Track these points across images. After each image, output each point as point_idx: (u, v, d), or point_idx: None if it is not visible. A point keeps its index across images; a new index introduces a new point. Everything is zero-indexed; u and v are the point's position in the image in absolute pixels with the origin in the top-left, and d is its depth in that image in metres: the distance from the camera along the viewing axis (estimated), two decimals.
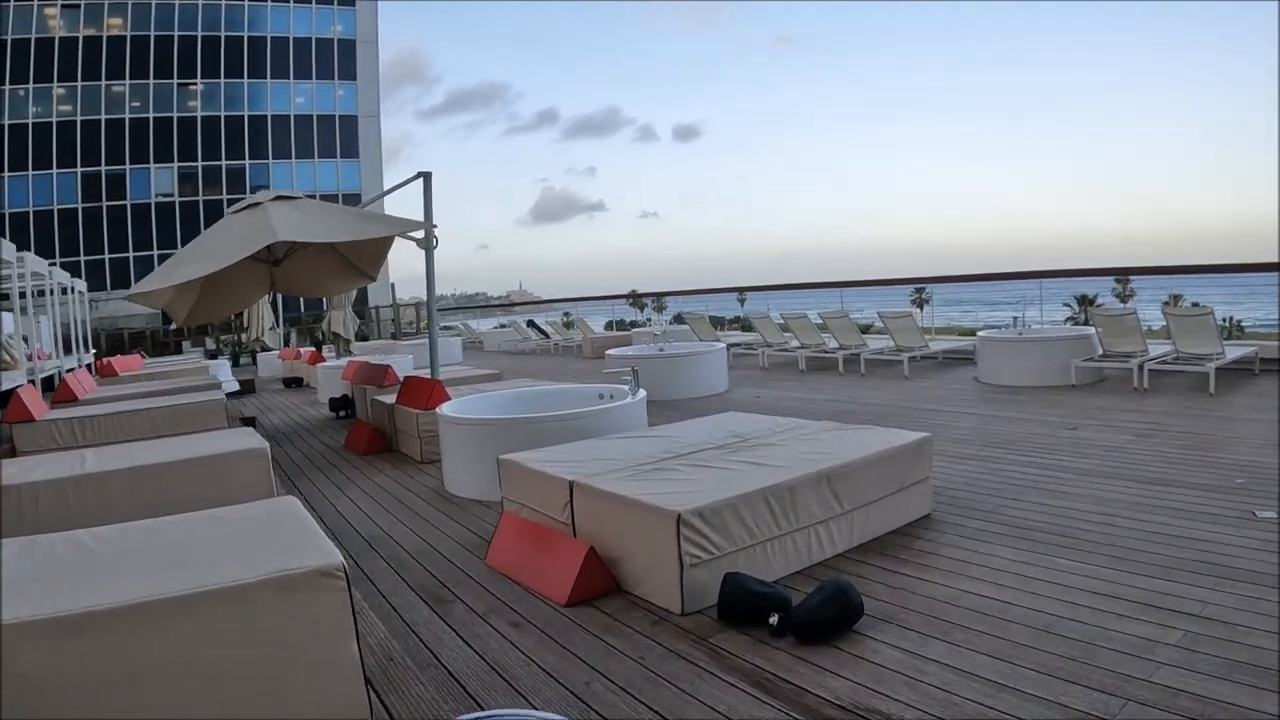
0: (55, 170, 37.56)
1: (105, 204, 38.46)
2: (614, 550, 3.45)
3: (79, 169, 38.03)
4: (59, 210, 37.70)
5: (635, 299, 23.28)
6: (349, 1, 43.28)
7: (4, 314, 11.46)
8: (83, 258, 36.88)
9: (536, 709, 2.48)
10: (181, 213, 38.74)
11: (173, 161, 39.78)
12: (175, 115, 39.82)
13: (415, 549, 4.40)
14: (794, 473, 3.52)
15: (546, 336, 19.56)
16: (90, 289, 20.25)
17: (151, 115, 39.26)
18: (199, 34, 40.08)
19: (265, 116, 41.84)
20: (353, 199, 36.08)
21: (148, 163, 39.26)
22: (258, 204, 7.39)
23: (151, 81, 39.07)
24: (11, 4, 35.93)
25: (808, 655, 2.71)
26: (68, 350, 15.63)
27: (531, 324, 21.02)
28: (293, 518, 2.57)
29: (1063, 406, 7.10)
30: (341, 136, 43.20)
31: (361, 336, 27.94)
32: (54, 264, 14.63)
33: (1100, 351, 8.46)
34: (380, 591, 3.81)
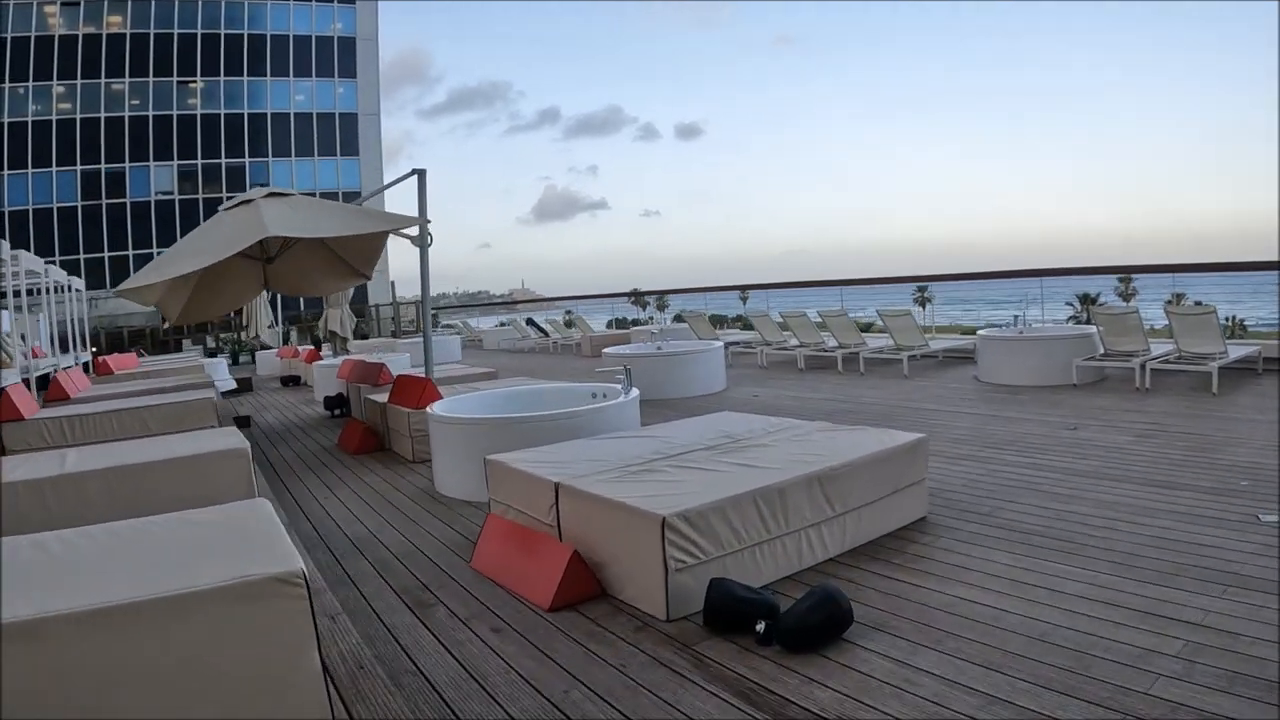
0: (55, 168, 37.53)
1: (105, 202, 38.42)
2: (599, 554, 3.37)
3: (78, 167, 37.99)
4: (58, 208, 37.67)
5: (637, 297, 23.20)
6: None
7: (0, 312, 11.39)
8: (82, 256, 36.85)
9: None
10: (181, 211, 38.69)
11: (172, 159, 39.73)
12: (175, 113, 39.76)
13: (401, 551, 4.32)
14: (785, 475, 3.42)
15: (546, 335, 19.47)
16: (90, 287, 20.22)
17: (151, 113, 39.21)
18: (199, 32, 40.01)
19: (265, 114, 41.76)
20: (353, 197, 35.91)
21: (147, 161, 39.21)
22: (250, 201, 7.32)
23: (151, 79, 39.01)
24: (11, 2, 35.92)
25: (794, 664, 2.62)
26: (65, 348, 15.59)
27: (530, 322, 20.94)
28: (261, 521, 2.49)
29: (1063, 406, 7.00)
30: (341, 134, 43.13)
31: (362, 335, 27.94)
32: (51, 262, 14.60)
33: (1102, 350, 8.35)
34: (363, 595, 3.73)
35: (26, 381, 10.85)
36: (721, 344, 10.41)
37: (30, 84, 36.94)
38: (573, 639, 3.01)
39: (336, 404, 10.14)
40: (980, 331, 10.01)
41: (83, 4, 37.68)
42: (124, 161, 38.86)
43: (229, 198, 8.21)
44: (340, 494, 5.83)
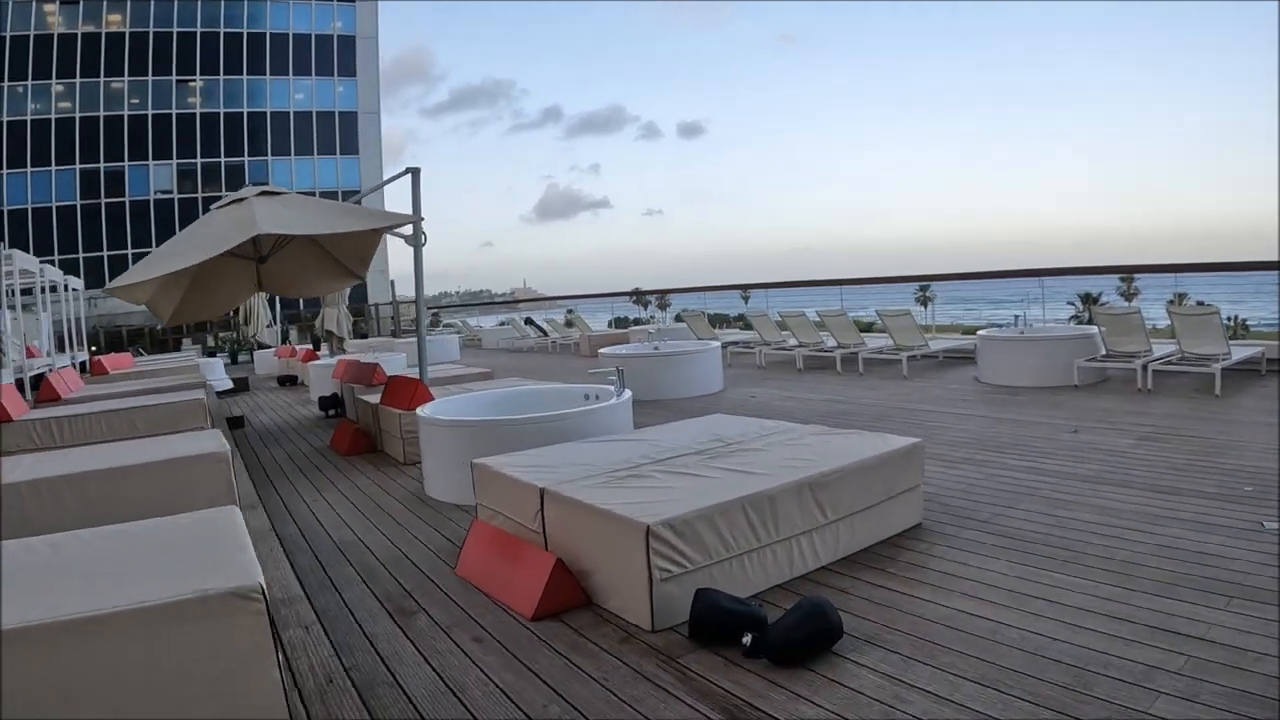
0: (54, 167, 37.46)
1: (104, 201, 38.35)
2: (584, 562, 3.27)
3: (78, 166, 37.91)
4: (58, 207, 37.60)
5: (639, 297, 23.11)
6: None
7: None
8: (81, 255, 36.79)
9: None
10: (180, 210, 38.59)
11: (172, 158, 39.63)
12: (174, 112, 39.66)
13: (386, 556, 4.24)
14: (775, 481, 3.32)
15: (545, 334, 19.39)
16: (89, 286, 20.15)
17: (150, 112, 39.11)
18: (198, 30, 39.90)
19: (265, 113, 41.64)
20: (352, 196, 35.90)
21: (146, 159, 39.12)
22: (242, 199, 7.24)
23: (150, 78, 38.92)
24: (11, 1, 35.85)
25: (781, 679, 2.53)
26: (61, 348, 15.52)
27: (530, 321, 20.86)
28: (228, 531, 2.40)
29: (1064, 408, 6.89)
30: (341, 133, 43.01)
31: (361, 334, 27.89)
32: (47, 261, 14.51)
33: (1103, 351, 8.24)
34: (345, 602, 3.65)
35: (20, 382, 10.79)
36: (719, 344, 10.31)
37: (29, 83, 36.87)
38: (555, 650, 2.92)
39: (331, 404, 10.06)
40: (980, 332, 9.90)
41: (82, 3, 37.61)
42: (123, 160, 38.77)
43: (213, 197, 8.13)
44: (329, 496, 5.75)
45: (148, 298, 7.97)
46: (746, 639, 2.66)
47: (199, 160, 40.13)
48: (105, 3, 38.18)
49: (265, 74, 41.58)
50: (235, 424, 9.59)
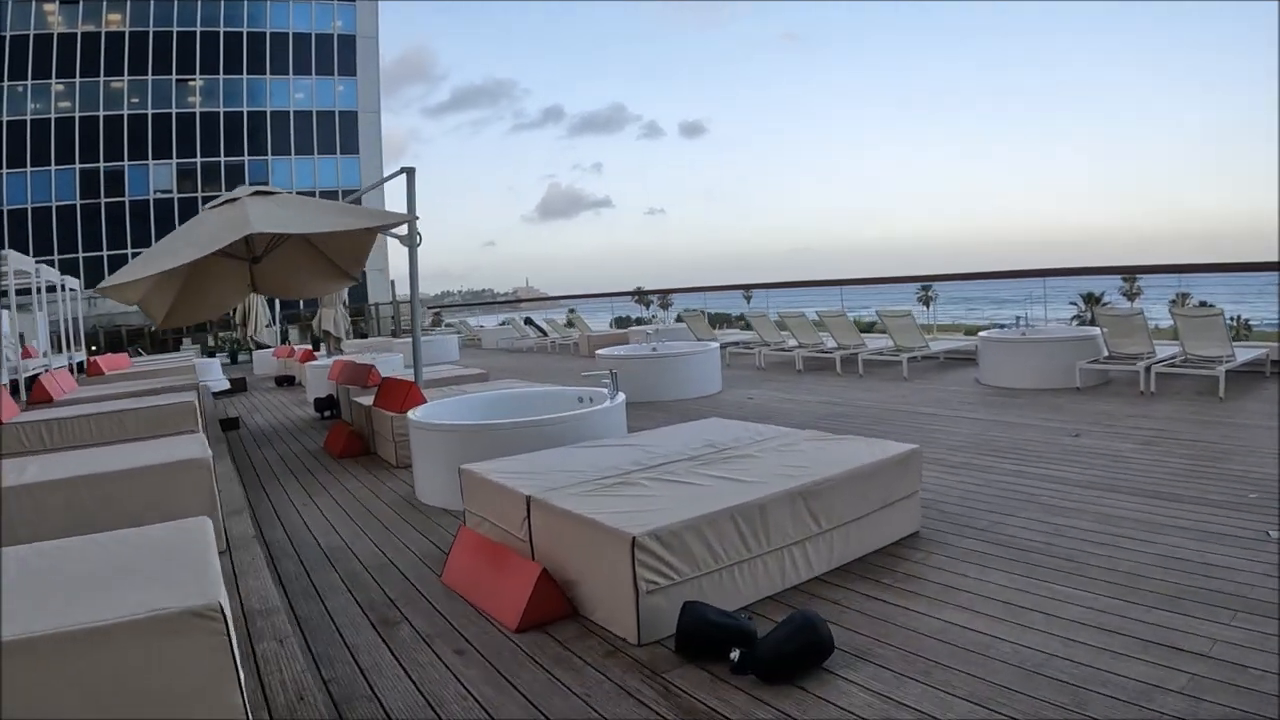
0: (54, 167, 37.40)
1: (104, 201, 38.29)
2: (570, 572, 3.19)
3: (77, 165, 37.85)
4: (57, 207, 37.56)
5: (641, 296, 23.03)
6: None
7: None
8: (81, 254, 36.76)
9: None
10: (180, 209, 38.49)
11: (171, 158, 39.55)
12: (174, 111, 39.56)
13: (373, 563, 4.16)
14: (767, 489, 3.24)
15: (544, 334, 19.32)
16: (88, 286, 20.07)
17: (150, 111, 39.02)
18: (198, 30, 39.80)
19: (265, 112, 41.53)
20: (351, 196, 35.91)
21: (146, 159, 39.05)
22: (235, 199, 7.17)
23: (150, 78, 38.84)
24: (10, 0, 35.82)
25: (769, 697, 2.44)
26: (59, 349, 15.46)
27: (529, 321, 20.79)
28: (195, 543, 2.32)
29: (1065, 411, 6.80)
30: (341, 133, 42.91)
31: (361, 334, 27.84)
32: (49, 261, 14.49)
33: (1105, 353, 8.14)
34: (328, 610, 3.58)
35: (15, 383, 10.73)
36: (717, 345, 10.22)
37: (29, 82, 36.81)
38: (538, 663, 2.84)
39: (326, 405, 9.99)
40: (981, 333, 9.80)
41: (82, 2, 37.54)
42: (123, 160, 38.69)
43: (213, 196, 8.06)
44: (320, 501, 5.67)
45: (139, 298, 7.90)
46: (734, 654, 2.58)
47: (199, 160, 40.05)
48: (105, 2, 38.12)
49: (265, 73, 41.48)
50: (229, 425, 9.53)
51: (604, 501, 3.21)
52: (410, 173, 7.90)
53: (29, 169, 37.05)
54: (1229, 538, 3.51)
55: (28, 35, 36.67)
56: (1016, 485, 4.60)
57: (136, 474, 3.71)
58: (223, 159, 40.39)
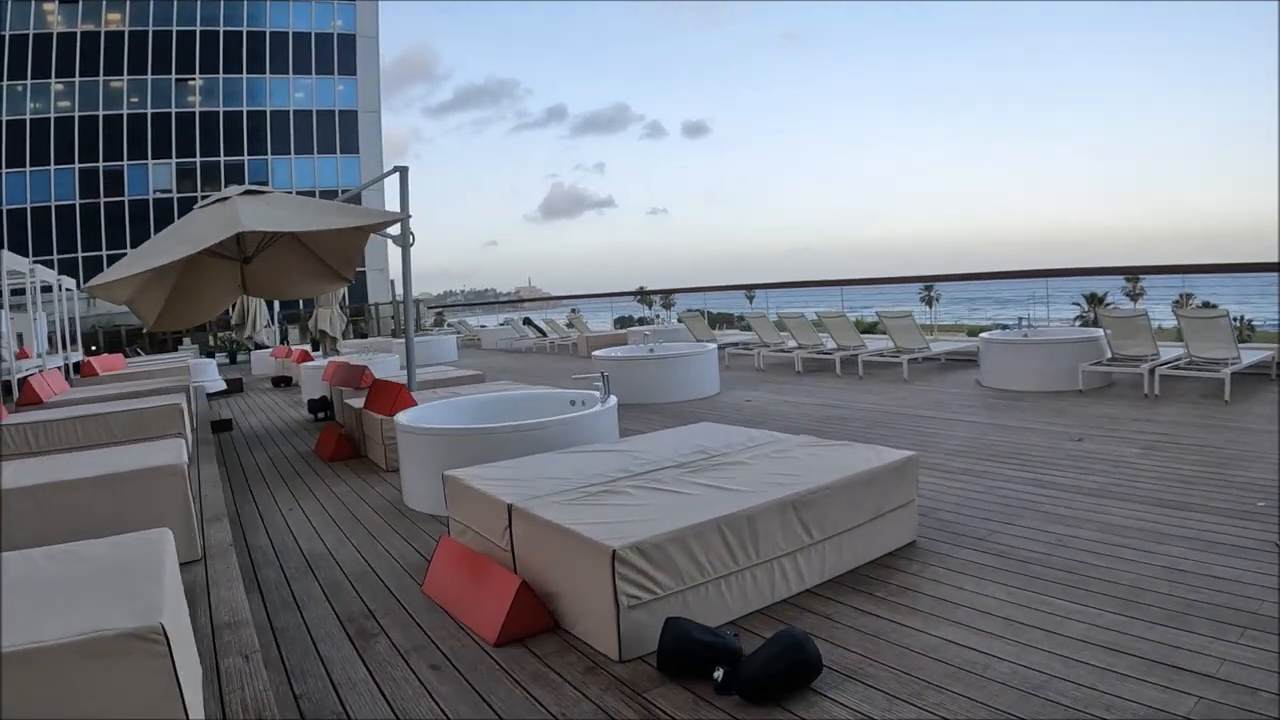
0: (53, 166, 37.32)
1: (103, 200, 38.22)
2: (552, 584, 3.08)
3: (77, 165, 37.76)
4: (56, 206, 37.50)
5: (643, 296, 22.92)
6: None
7: None
8: (80, 254, 36.69)
9: None
10: (180, 209, 38.34)
11: (171, 157, 39.46)
12: (174, 111, 39.46)
13: (355, 571, 4.06)
14: (756, 499, 3.12)
15: (543, 335, 19.22)
16: None
17: (150, 111, 38.92)
18: (197, 29, 39.69)
19: (264, 112, 41.42)
20: (352, 195, 35.80)
21: (146, 159, 38.97)
22: (226, 198, 7.08)
23: (150, 77, 38.73)
24: None
25: (753, 719, 2.33)
26: (54, 349, 15.36)
27: (528, 322, 20.68)
28: (149, 558, 2.21)
29: (1068, 414, 6.67)
30: (341, 132, 42.78)
31: (361, 334, 27.75)
32: (47, 260, 14.42)
33: (1109, 355, 8.00)
34: (305, 621, 3.47)
35: (7, 385, 10.63)
36: (714, 346, 10.10)
37: (29, 81, 36.74)
38: (515, 680, 2.73)
39: (320, 407, 9.90)
40: (983, 334, 9.67)
41: (81, 2, 37.48)
42: (122, 159, 38.60)
43: (204, 195, 7.96)
44: (306, 505, 5.57)
45: (128, 297, 7.80)
46: (718, 674, 2.46)
47: (198, 159, 39.94)
48: (104, 2, 38.03)
49: (265, 73, 41.37)
50: (222, 427, 9.43)
51: (586, 511, 3.09)
52: (403, 171, 7.80)
53: (28, 168, 36.99)
54: (1236, 548, 3.39)
55: (27, 34, 36.61)
56: (1016, 492, 4.48)
57: (105, 481, 3.60)
58: (222, 159, 40.30)
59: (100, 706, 1.70)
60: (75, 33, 37.49)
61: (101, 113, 38.13)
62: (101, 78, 37.95)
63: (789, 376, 10.38)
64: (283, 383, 14.44)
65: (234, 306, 15.47)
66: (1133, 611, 2.85)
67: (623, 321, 21.45)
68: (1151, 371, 7.33)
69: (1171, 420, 6.21)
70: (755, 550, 3.02)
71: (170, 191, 39.11)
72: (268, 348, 17.55)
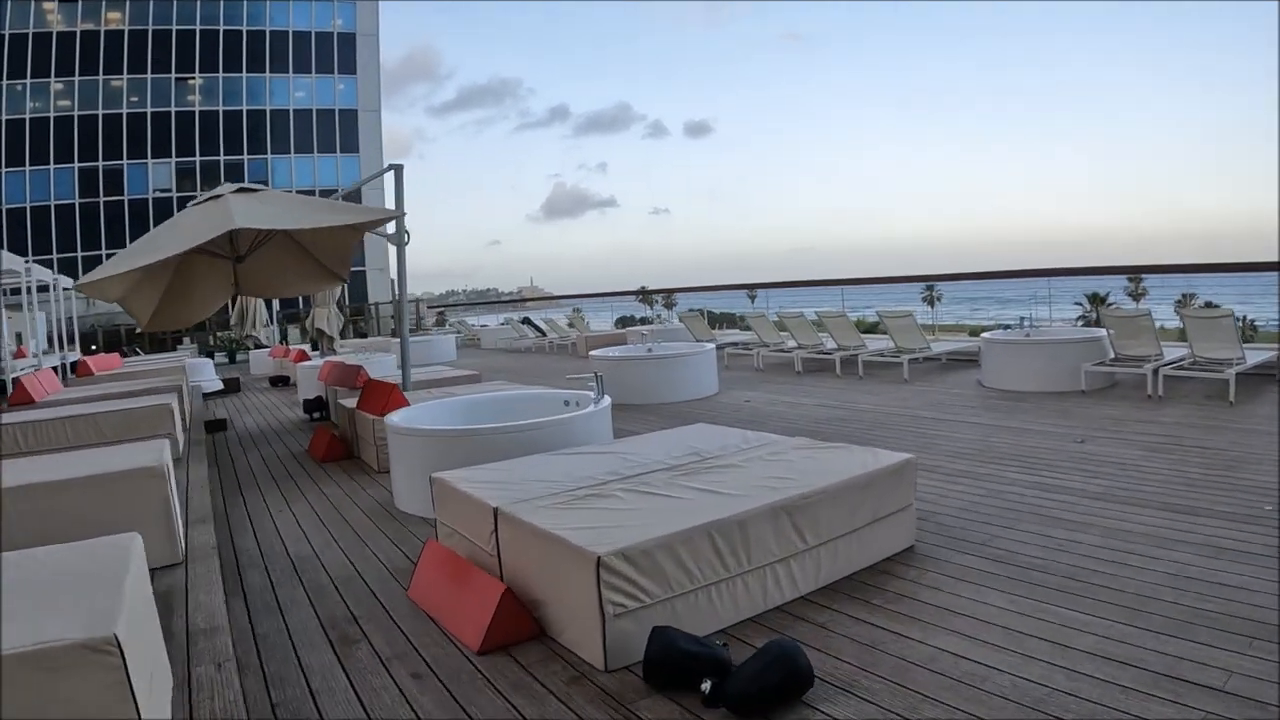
0: (52, 165, 37.23)
1: (102, 200, 38.14)
2: (537, 590, 2.99)
3: (76, 164, 37.67)
4: (56, 206, 37.43)
5: (645, 295, 22.84)
6: None
7: None
8: (80, 254, 36.63)
9: None
10: (179, 208, 38.35)
11: (171, 156, 39.36)
12: (173, 110, 39.33)
13: (341, 575, 3.97)
14: (748, 504, 3.02)
15: (543, 334, 19.14)
16: None
17: (149, 110, 38.83)
18: (197, 28, 39.57)
19: (264, 111, 41.31)
20: (352, 194, 35.64)
21: (146, 158, 38.87)
22: (219, 196, 7.00)
23: (149, 76, 38.63)
24: None
25: None
26: (51, 348, 15.30)
27: (527, 321, 20.60)
28: (113, 565, 2.13)
29: (1071, 415, 6.57)
30: (341, 131, 42.67)
31: (361, 333, 27.68)
32: (40, 260, 14.36)
33: (1112, 355, 7.90)
34: (287, 627, 3.39)
35: (1, 384, 10.57)
36: (713, 346, 10.00)
37: (28, 81, 36.65)
38: (497, 690, 2.64)
39: (316, 407, 9.82)
40: (985, 334, 9.56)
41: (81, 1, 37.43)
42: (122, 159, 38.50)
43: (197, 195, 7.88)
44: (296, 507, 5.48)
45: (119, 295, 7.73)
46: (705, 685, 2.37)
47: (198, 158, 39.82)
48: (104, 1, 37.99)
49: (265, 71, 41.27)
50: (216, 427, 9.35)
51: (573, 515, 3.00)
52: (398, 169, 7.73)
53: (28, 168, 36.91)
54: (1243, 554, 3.29)
55: (27, 33, 36.53)
56: (1017, 495, 4.38)
57: (82, 484, 3.51)
58: (222, 158, 40.19)
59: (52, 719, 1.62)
60: (75, 32, 37.40)
61: (101, 112, 38.04)
62: (101, 77, 37.86)
63: (789, 376, 10.29)
64: (280, 382, 14.37)
65: (233, 305, 15.40)
66: (1138, 621, 2.75)
67: (624, 321, 21.38)
68: (1155, 372, 7.23)
69: (1175, 421, 6.10)
70: (747, 556, 2.93)
71: (170, 191, 39.01)
72: (266, 347, 17.49)
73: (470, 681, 2.71)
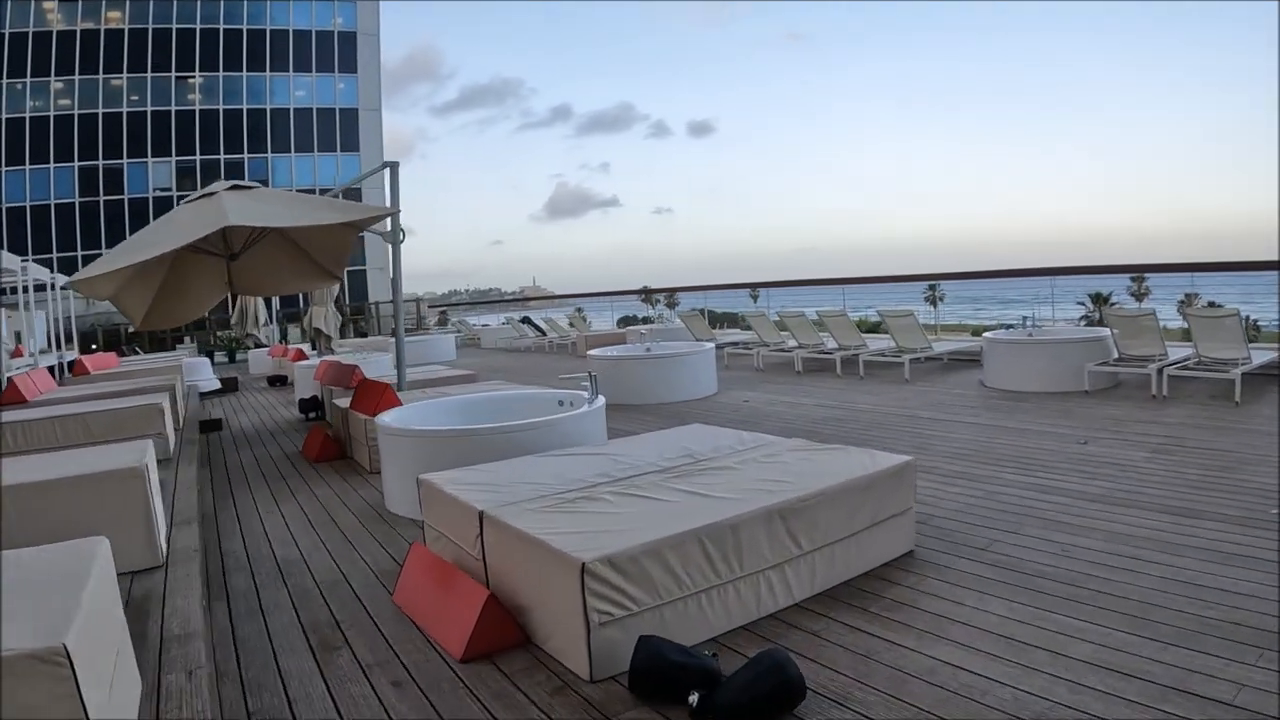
0: (52, 164, 37.19)
1: (102, 199, 38.09)
2: (522, 596, 2.90)
3: (76, 163, 37.61)
4: (56, 205, 37.40)
5: (647, 295, 22.76)
6: None
7: None
8: (80, 253, 36.54)
9: None
10: None
11: (171, 156, 39.30)
12: (173, 109, 39.27)
13: (326, 579, 3.89)
14: (741, 508, 2.93)
15: (543, 334, 19.07)
16: None
17: (149, 109, 38.76)
18: (197, 27, 39.49)
19: (265, 110, 41.23)
20: (353, 194, 35.45)
21: (146, 157, 38.82)
22: (212, 194, 6.93)
23: (149, 75, 38.58)
24: None
25: None
26: (49, 348, 15.23)
27: (526, 321, 20.53)
28: (73, 570, 2.04)
29: (1073, 416, 6.47)
30: (342, 130, 42.59)
31: (361, 333, 27.62)
32: (40, 259, 14.30)
33: (1115, 355, 7.80)
34: (269, 632, 3.31)
35: None
36: (712, 346, 9.91)
37: (28, 80, 36.59)
38: (479, 700, 2.55)
39: (312, 407, 9.75)
40: (986, 334, 9.46)
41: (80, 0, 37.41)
42: (122, 158, 38.45)
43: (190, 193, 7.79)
44: (286, 508, 5.41)
45: (111, 293, 7.63)
46: (693, 698, 2.28)
47: (198, 157, 39.75)
48: (104, 0, 37.95)
49: (265, 70, 41.20)
50: (211, 427, 9.27)
51: (559, 519, 2.91)
52: (393, 167, 7.64)
53: (28, 167, 36.86)
54: (1250, 559, 3.20)
55: (27, 32, 36.49)
56: (1019, 498, 4.28)
57: (60, 485, 3.43)
58: (222, 157, 40.12)
59: None
60: (75, 30, 37.34)
61: (101, 111, 37.98)
62: (101, 76, 37.79)
63: (789, 376, 10.19)
64: (278, 382, 14.31)
65: (233, 304, 15.34)
66: (1143, 630, 2.65)
67: (626, 321, 21.31)
68: (1159, 372, 7.13)
69: (1180, 422, 6.00)
70: (739, 563, 2.84)
71: (170, 190, 38.92)
72: (265, 346, 17.43)
73: (451, 691, 2.63)
